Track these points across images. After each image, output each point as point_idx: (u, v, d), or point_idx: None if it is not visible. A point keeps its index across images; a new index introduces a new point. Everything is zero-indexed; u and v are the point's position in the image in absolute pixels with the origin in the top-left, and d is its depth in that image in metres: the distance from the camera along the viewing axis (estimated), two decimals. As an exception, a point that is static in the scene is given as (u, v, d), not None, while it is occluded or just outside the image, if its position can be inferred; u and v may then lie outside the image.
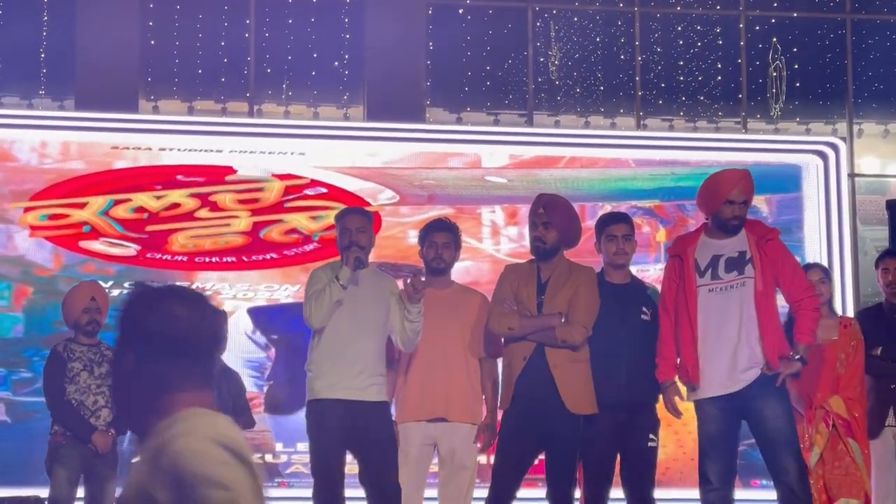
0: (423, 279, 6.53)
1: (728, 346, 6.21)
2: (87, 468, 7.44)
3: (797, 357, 6.27)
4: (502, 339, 6.58)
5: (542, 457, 6.55)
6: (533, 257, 6.62)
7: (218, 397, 7.51)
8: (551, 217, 6.52)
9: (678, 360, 6.44)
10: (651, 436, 6.64)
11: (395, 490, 6.37)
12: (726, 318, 6.24)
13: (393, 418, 6.67)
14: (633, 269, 6.93)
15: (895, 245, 8.98)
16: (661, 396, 6.79)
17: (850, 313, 9.89)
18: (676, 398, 6.47)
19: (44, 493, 7.62)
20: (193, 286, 9.84)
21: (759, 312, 6.21)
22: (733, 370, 6.21)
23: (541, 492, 6.48)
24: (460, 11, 12.87)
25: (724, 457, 6.31)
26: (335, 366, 6.39)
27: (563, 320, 6.36)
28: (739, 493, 6.91)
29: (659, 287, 6.85)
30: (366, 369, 6.40)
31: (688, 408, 6.60)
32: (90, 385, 7.47)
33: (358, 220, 6.61)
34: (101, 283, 8.36)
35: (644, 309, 6.67)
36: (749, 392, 6.20)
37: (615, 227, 6.77)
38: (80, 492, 7.53)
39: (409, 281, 6.46)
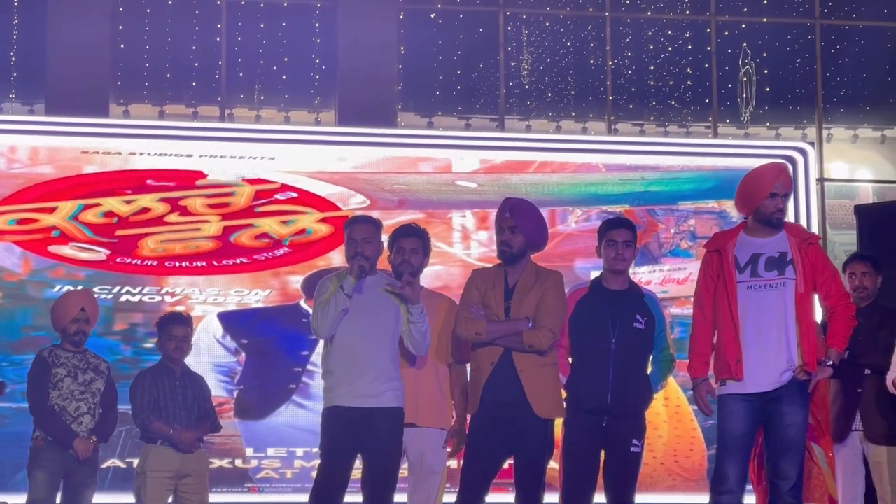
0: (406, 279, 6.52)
1: (769, 345, 6.17)
2: (67, 474, 7.45)
3: (829, 363, 6.27)
4: (470, 344, 6.58)
5: (511, 461, 6.55)
6: (500, 261, 6.62)
7: (182, 402, 7.55)
8: (518, 221, 6.51)
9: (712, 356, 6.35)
10: (635, 441, 6.61)
11: None
12: (766, 317, 6.19)
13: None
14: (602, 274, 6.90)
15: (863, 249, 9.03)
16: (648, 403, 6.76)
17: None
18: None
19: (15, 498, 7.60)
20: (163, 291, 9.83)
21: (798, 315, 6.19)
22: (774, 369, 6.18)
23: (510, 496, 6.48)
24: (432, 16, 12.90)
25: (744, 458, 6.29)
26: (349, 374, 6.39)
27: (530, 325, 6.37)
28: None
29: (655, 292, 6.82)
30: (379, 375, 6.39)
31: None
32: (73, 391, 7.47)
33: (365, 229, 6.59)
34: (91, 291, 8.34)
35: (638, 317, 6.62)
36: (778, 395, 6.18)
37: (616, 233, 6.71)
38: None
39: (400, 285, 6.45)
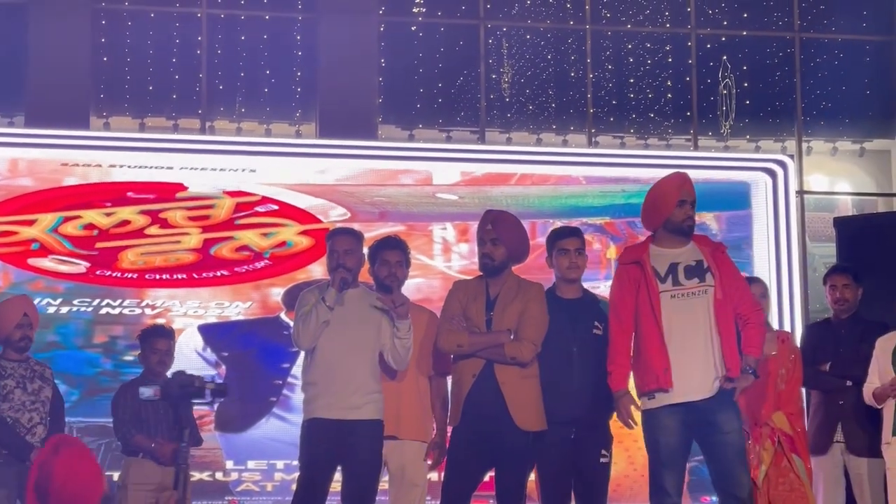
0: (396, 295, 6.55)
1: (697, 353, 6.15)
2: (24, 486, 7.35)
3: (750, 371, 6.27)
4: (451, 357, 6.58)
5: (492, 473, 6.55)
6: (481, 273, 6.62)
7: (164, 415, 7.52)
8: (499, 233, 6.52)
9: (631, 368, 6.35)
10: (603, 451, 6.61)
11: None
12: (692, 325, 6.18)
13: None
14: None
15: (843, 262, 9.05)
16: (613, 411, 6.76)
17: (799, 330, 9.97)
18: (632, 407, 6.31)
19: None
20: (143, 303, 9.80)
21: (719, 322, 6.17)
22: (706, 377, 6.17)
23: (491, 509, 6.49)
24: (412, 28, 12.90)
25: (681, 469, 6.27)
26: (329, 386, 6.40)
27: (511, 337, 6.37)
28: (689, 510, 6.91)
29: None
30: (360, 387, 6.41)
31: (638, 422, 6.55)
32: (24, 402, 7.31)
33: (346, 241, 6.60)
34: (30, 296, 8.18)
35: (596, 323, 6.63)
36: (708, 405, 6.15)
37: (567, 242, 6.75)
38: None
39: (391, 302, 6.45)
